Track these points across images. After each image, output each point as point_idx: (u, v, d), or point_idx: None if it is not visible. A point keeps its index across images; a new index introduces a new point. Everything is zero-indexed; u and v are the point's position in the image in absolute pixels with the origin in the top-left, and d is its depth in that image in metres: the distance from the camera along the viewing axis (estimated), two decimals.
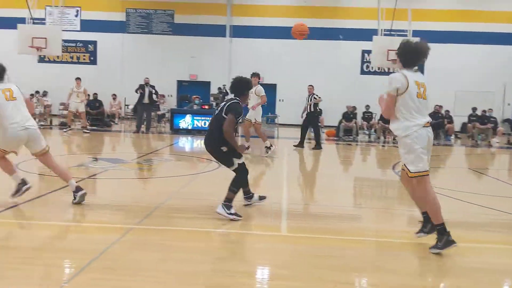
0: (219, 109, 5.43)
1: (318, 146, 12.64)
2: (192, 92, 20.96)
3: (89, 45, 23.77)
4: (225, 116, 5.28)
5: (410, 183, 4.35)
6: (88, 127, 16.26)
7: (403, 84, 4.22)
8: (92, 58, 23.78)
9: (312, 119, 12.80)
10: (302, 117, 13.30)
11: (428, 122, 4.27)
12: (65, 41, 21.05)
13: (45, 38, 16.74)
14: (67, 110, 16.39)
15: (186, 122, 16.96)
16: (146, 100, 16.32)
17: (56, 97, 22.26)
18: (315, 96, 12.66)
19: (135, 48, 23.53)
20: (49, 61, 23.54)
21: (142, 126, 16.41)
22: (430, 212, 4.29)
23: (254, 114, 11.03)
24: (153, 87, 16.69)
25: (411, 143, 4.20)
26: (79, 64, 23.41)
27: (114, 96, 22.13)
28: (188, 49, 22.86)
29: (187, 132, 16.62)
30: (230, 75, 22.73)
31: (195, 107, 17.41)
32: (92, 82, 21.52)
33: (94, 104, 18.88)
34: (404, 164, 4.29)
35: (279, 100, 23.15)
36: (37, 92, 21.08)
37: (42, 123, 17.87)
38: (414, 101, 4.21)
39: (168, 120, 18.93)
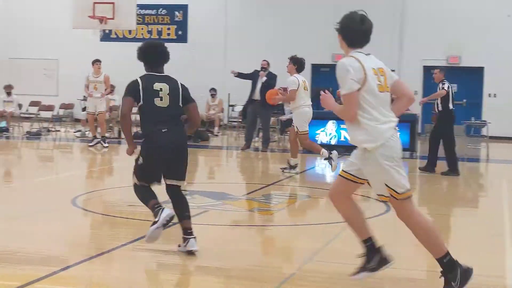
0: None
1: None
2: (335, 82, 20.32)
3: (177, 12, 24.29)
4: None
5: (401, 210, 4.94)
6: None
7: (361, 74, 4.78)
8: (180, 33, 24.25)
9: None
10: None
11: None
12: (140, 6, 21.62)
13: (113, 2, 17.19)
14: (86, 112, 16.81)
15: (327, 132, 16.32)
16: (257, 95, 16.00)
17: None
18: None
19: (247, 17, 23.69)
20: (117, 39, 24.43)
21: (256, 139, 16.26)
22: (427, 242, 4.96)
23: (296, 119, 12.04)
24: (273, 76, 16.13)
25: (388, 155, 4.81)
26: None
27: (213, 93, 22.23)
28: (330, 16, 22.30)
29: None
30: (403, 54, 21.89)
31: None
32: (181, 70, 21.82)
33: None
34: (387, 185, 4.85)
35: (489, 95, 22.23)
36: None
37: (107, 134, 18.33)
38: (376, 97, 4.79)
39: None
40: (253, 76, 16.24)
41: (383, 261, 5.03)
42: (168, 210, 6.00)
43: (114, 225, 7.61)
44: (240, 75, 16.61)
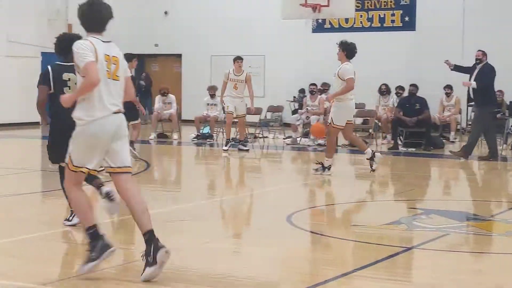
0: None
1: None
2: None
3: None
4: None
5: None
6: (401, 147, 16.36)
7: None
8: (407, 19, 23.98)
9: None
10: None
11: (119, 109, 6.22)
12: None
13: None
14: (226, 111, 17.44)
15: None
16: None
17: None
18: None
19: None
20: (332, 29, 24.71)
21: (504, 146, 16.10)
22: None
23: (332, 112, 12.77)
24: (488, 70, 15.39)
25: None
26: (384, 32, 23.95)
27: (448, 91, 21.71)
28: None
29: None
30: None
31: None
32: (409, 62, 21.57)
33: (413, 104, 18.68)
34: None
35: None
36: (313, 84, 22.15)
37: (320, 141, 18.57)
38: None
39: None
40: (471, 70, 15.61)
41: (105, 248, 6.09)
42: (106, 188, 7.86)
43: (329, 247, 7.68)
44: (456, 68, 16.05)
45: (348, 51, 12.49)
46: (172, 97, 20.64)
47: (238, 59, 17.37)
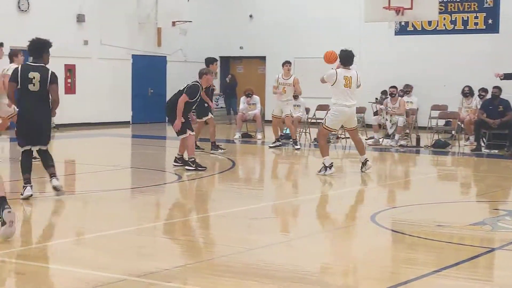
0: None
1: None
2: None
3: None
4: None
5: None
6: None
7: None
8: (490, 21, 23.52)
9: None
10: None
11: None
12: None
13: None
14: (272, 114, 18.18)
15: None
16: None
17: (423, 94, 22.90)
18: None
19: None
20: (415, 31, 24.44)
21: None
22: None
23: (328, 113, 12.94)
24: None
25: None
26: (467, 34, 23.55)
27: None
28: None
29: None
30: None
31: None
32: (493, 65, 21.18)
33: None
34: None
35: None
36: (393, 87, 21.97)
37: (402, 142, 18.40)
38: None
39: None
40: None
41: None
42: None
43: (413, 247, 7.61)
44: (507, 76, 15.71)
45: (342, 58, 12.62)
46: (256, 98, 20.77)
47: (287, 63, 18.00)
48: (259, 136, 20.16)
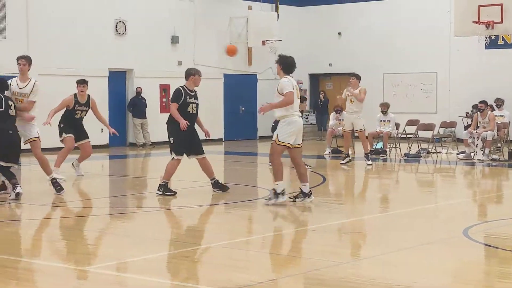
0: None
1: None
2: None
3: None
4: None
5: None
6: None
7: None
8: None
9: None
10: None
11: None
12: None
13: (501, 4, 16.94)
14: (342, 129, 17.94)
15: None
16: None
17: None
18: None
19: None
20: (505, 45, 23.92)
21: None
22: None
23: (278, 128, 11.15)
24: None
25: None
26: None
27: None
28: None
29: None
30: None
31: None
32: None
33: None
34: None
35: None
36: (482, 102, 21.52)
37: (494, 156, 18.01)
38: None
39: None
40: None
41: None
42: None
43: (507, 261, 7.43)
44: None
45: (284, 65, 11.16)
46: (345, 114, 20.68)
47: (353, 75, 17.91)
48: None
